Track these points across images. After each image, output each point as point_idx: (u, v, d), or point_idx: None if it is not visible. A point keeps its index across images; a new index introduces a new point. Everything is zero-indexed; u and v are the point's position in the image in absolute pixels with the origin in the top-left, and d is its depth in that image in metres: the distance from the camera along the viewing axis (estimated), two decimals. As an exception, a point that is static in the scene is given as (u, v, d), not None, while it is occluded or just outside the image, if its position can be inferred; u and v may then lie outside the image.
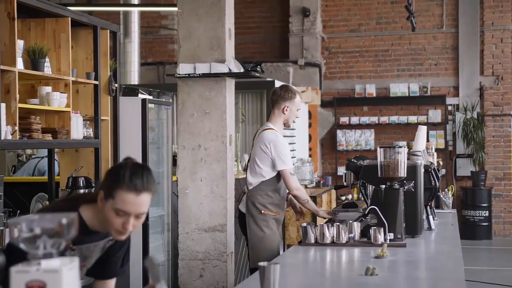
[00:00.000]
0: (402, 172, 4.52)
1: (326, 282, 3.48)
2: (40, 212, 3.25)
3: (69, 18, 5.32)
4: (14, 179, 7.51)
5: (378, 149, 4.59)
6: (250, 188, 5.18)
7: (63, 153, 5.92)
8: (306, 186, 10.66)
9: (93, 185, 5.65)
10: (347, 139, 13.08)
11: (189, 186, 5.59)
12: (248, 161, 5.41)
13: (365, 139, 13.01)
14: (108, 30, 6.03)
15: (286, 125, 5.33)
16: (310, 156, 12.15)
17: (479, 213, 12.38)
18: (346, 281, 3.47)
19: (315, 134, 12.72)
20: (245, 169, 8.43)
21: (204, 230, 5.58)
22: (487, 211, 12.41)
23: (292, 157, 9.98)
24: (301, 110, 5.48)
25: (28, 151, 9.52)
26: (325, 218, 5.08)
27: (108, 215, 2.64)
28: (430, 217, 5.18)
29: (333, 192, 11.37)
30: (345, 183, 5.36)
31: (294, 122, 5.40)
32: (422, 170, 4.87)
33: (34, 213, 5.22)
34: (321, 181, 11.06)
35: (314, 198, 9.34)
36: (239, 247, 7.44)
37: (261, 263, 2.82)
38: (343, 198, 10.84)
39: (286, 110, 5.23)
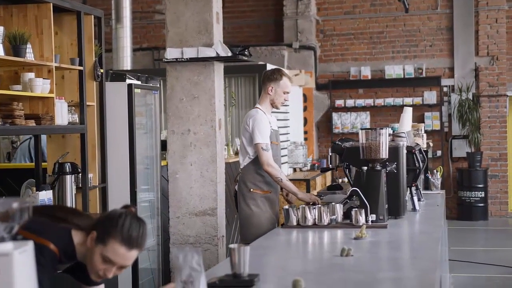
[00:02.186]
0: (384, 154, 4.52)
1: (300, 263, 3.49)
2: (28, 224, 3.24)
3: (51, 3, 5.30)
4: (6, 166, 7.52)
5: (360, 131, 4.59)
6: (241, 167, 5.28)
7: (50, 139, 5.93)
8: (300, 169, 10.67)
9: (79, 170, 5.67)
10: (343, 122, 13.07)
11: (179, 170, 5.60)
12: None
13: (360, 121, 12.99)
14: (92, 16, 6.01)
15: (274, 107, 5.36)
16: (306, 139, 12.15)
17: (475, 194, 12.39)
18: (321, 262, 3.48)
19: (310, 117, 12.71)
20: (236, 153, 8.46)
21: (195, 214, 5.60)
22: (483, 192, 12.42)
23: (285, 141, 10.02)
24: (293, 94, 5.49)
25: (22, 138, 9.53)
26: (304, 201, 5.04)
27: (94, 258, 2.66)
28: (415, 198, 5.17)
29: (328, 174, 11.38)
30: (330, 165, 5.37)
31: (283, 104, 5.42)
32: (405, 151, 4.85)
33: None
34: (316, 164, 11.06)
35: (307, 181, 9.35)
36: (230, 230, 7.46)
37: (231, 245, 2.85)
38: (340, 180, 10.83)
39: (271, 91, 5.29)
